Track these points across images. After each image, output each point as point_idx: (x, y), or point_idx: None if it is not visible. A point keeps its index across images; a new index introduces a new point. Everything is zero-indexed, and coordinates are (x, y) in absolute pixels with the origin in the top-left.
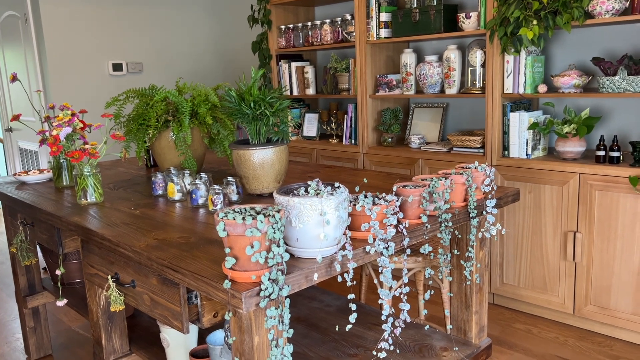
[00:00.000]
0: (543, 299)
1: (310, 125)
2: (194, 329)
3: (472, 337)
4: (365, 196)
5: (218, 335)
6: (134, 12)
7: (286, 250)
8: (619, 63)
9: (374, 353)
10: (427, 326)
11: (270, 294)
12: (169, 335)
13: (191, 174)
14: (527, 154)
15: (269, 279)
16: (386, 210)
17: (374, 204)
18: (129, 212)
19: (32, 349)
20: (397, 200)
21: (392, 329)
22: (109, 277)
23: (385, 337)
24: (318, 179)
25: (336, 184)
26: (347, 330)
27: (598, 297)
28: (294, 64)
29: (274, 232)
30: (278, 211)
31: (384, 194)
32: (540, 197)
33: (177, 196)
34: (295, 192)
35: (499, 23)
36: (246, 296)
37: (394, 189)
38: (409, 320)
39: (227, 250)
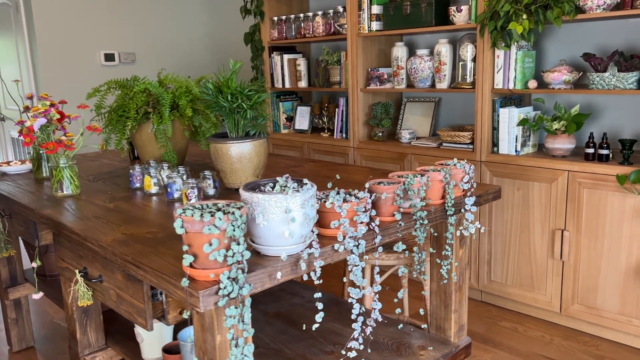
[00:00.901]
0: (530, 297)
1: (302, 119)
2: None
3: (451, 336)
4: (338, 193)
5: (190, 332)
6: (126, 2)
7: (252, 248)
8: (609, 59)
9: (343, 352)
10: (401, 325)
11: (229, 293)
12: (142, 330)
13: (170, 167)
14: (516, 151)
15: (229, 278)
16: (357, 208)
17: (345, 200)
18: (103, 205)
19: (14, 340)
20: (370, 198)
21: (362, 327)
22: (77, 271)
23: (355, 337)
24: (287, 175)
25: (305, 181)
26: (313, 328)
27: (585, 296)
28: (286, 56)
29: (234, 230)
30: (240, 208)
31: (356, 191)
32: (529, 194)
33: (154, 189)
34: (262, 188)
35: (489, 17)
36: (204, 295)
37: (367, 185)
38: (380, 319)
39: (185, 248)
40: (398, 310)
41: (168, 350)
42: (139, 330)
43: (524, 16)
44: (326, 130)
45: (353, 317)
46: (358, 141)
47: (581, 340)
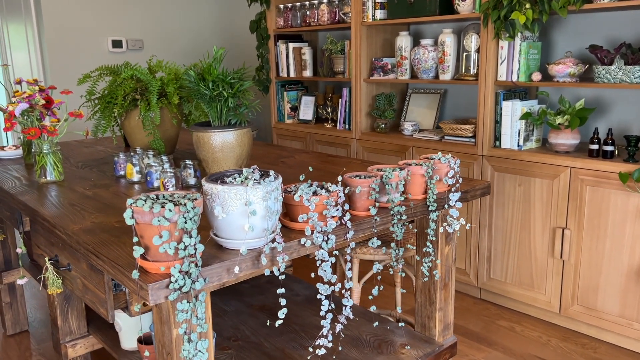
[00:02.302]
0: (529, 296)
1: (307, 109)
2: (149, 314)
3: (436, 335)
4: (310, 185)
5: None
6: None
7: (211, 240)
8: (616, 52)
9: (310, 350)
10: (376, 323)
11: (181, 287)
12: (120, 319)
13: (155, 155)
14: (518, 145)
15: (180, 271)
16: (326, 202)
17: (315, 194)
18: (82, 192)
19: (7, 324)
20: (344, 191)
21: (333, 325)
22: (46, 258)
23: (325, 334)
24: (256, 166)
25: (270, 172)
26: (276, 324)
27: (585, 297)
28: (291, 45)
29: (185, 222)
30: (194, 200)
31: (329, 184)
32: (530, 190)
33: (136, 177)
34: (225, 179)
35: (492, 6)
36: (154, 288)
37: (339, 179)
38: (351, 316)
39: (135, 239)
40: (373, 308)
41: (144, 340)
42: (117, 319)
43: (527, 5)
44: (330, 121)
45: (322, 313)
46: (360, 132)
47: (579, 342)
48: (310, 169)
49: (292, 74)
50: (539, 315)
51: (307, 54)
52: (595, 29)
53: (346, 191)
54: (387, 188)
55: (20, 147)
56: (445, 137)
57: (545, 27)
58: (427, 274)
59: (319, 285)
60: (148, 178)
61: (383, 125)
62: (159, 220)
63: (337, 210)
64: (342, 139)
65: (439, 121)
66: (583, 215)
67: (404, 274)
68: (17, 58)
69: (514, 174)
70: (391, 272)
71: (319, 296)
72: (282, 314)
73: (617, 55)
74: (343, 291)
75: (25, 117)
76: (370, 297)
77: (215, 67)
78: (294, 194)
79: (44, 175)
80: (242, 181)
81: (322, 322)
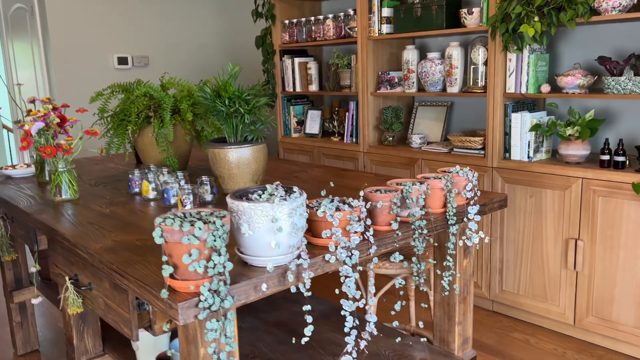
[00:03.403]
0: (543, 308)
1: (313, 122)
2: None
3: (455, 349)
4: (332, 201)
5: None
6: (139, 5)
7: (238, 258)
8: (625, 63)
9: None
10: (399, 339)
11: (210, 306)
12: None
13: (170, 172)
14: (528, 157)
15: (209, 290)
16: (350, 217)
17: (338, 209)
18: (99, 210)
19: (18, 343)
20: (365, 206)
21: (357, 341)
22: (67, 278)
23: (349, 350)
24: (278, 182)
25: (294, 189)
26: (302, 342)
27: (600, 308)
28: (297, 60)
29: (214, 240)
30: (222, 217)
31: (350, 199)
32: (542, 201)
33: (152, 195)
34: (250, 196)
35: (500, 19)
36: (183, 307)
37: (361, 193)
38: (375, 332)
39: (165, 258)
40: (395, 323)
41: (162, 359)
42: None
43: (536, 18)
44: (336, 135)
45: (346, 330)
46: (368, 146)
47: (595, 354)
48: (332, 184)
49: (298, 89)
50: (553, 327)
51: (312, 68)
52: (601, 41)
53: (367, 206)
54: (407, 202)
55: (32, 165)
56: (454, 150)
57: (552, 38)
58: (448, 288)
59: (342, 301)
60: (165, 195)
61: (391, 138)
62: (188, 239)
63: (360, 225)
64: (349, 152)
65: (446, 133)
66: (596, 226)
67: (424, 289)
68: (22, 76)
69: (525, 185)
70: (412, 287)
71: (342, 312)
72: (308, 331)
73: (626, 67)
74: (366, 307)
75: (41, 136)
76: (392, 313)
77: (231, 83)
78: (317, 210)
79: (59, 194)
80: (267, 198)
81: (347, 339)
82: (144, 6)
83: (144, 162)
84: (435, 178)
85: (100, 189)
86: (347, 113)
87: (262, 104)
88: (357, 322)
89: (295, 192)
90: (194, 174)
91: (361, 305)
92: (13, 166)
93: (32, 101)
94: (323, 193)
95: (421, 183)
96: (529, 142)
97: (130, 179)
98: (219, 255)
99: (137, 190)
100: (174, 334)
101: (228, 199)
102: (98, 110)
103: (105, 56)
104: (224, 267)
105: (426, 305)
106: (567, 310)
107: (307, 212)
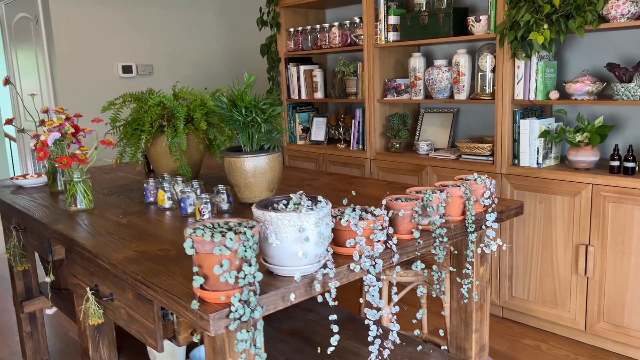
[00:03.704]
0: (553, 314)
1: (319, 130)
2: None
3: (472, 357)
4: (354, 210)
5: (201, 351)
6: (144, 14)
7: (264, 267)
8: (635, 69)
9: None
10: (420, 347)
11: (240, 316)
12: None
13: (184, 181)
14: (537, 163)
15: (240, 300)
16: (373, 226)
17: (361, 218)
18: (116, 220)
19: (28, 354)
20: (387, 215)
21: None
22: (88, 289)
23: (372, 359)
24: (302, 191)
25: (319, 198)
26: (329, 351)
27: (611, 314)
28: (302, 67)
29: (245, 251)
30: (252, 227)
31: (372, 208)
32: (551, 208)
33: (168, 204)
34: (275, 205)
35: (509, 27)
36: (214, 318)
37: (383, 202)
38: (398, 341)
39: (195, 269)
40: (417, 332)
41: None
42: (151, 348)
43: (545, 26)
44: (342, 142)
45: (370, 339)
46: (375, 152)
47: (608, 359)
48: (354, 193)
49: (303, 96)
50: (564, 333)
51: (318, 76)
52: (608, 47)
53: (389, 214)
54: (428, 210)
55: (42, 175)
56: (463, 156)
57: (560, 45)
58: (467, 296)
59: (367, 310)
60: (182, 204)
61: (397, 145)
62: (220, 250)
63: (383, 234)
64: (356, 159)
65: (453, 140)
66: (606, 231)
67: (444, 297)
68: (26, 84)
69: (534, 191)
70: (434, 295)
71: (366, 321)
72: (334, 340)
73: (635, 73)
74: (389, 316)
75: (56, 146)
76: (414, 322)
77: (247, 93)
78: (340, 219)
79: (74, 204)
80: (294, 208)
81: (370, 348)
82: (149, 15)
83: (157, 171)
84: (453, 186)
85: (114, 198)
86: (353, 120)
87: (278, 113)
88: (380, 330)
89: (321, 201)
90: (207, 182)
91: (390, 316)
92: (24, 176)
93: (46, 111)
94: (345, 202)
95: (441, 191)
96: (537, 148)
97: (145, 188)
98: (250, 265)
99: (152, 199)
100: (189, 344)
101: (254, 209)
102: (110, 120)
103: (109, 65)
104: (254, 277)
105: (446, 313)
106: (578, 316)
107: (333, 221)
